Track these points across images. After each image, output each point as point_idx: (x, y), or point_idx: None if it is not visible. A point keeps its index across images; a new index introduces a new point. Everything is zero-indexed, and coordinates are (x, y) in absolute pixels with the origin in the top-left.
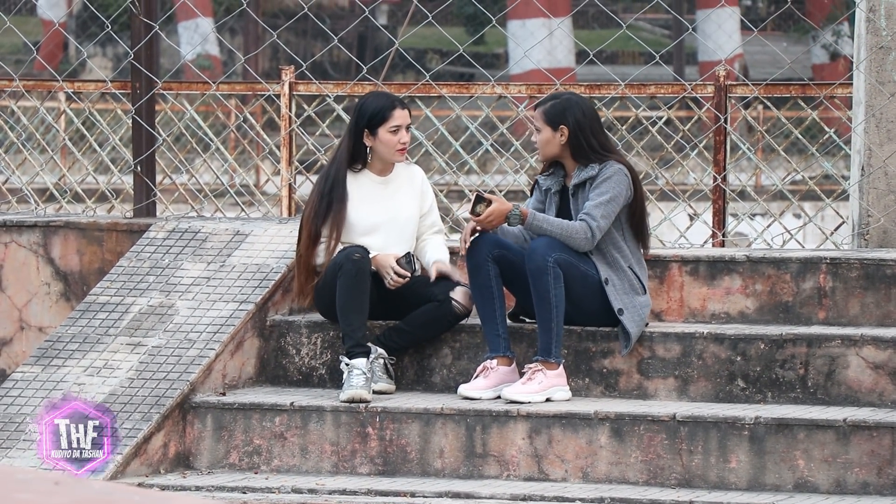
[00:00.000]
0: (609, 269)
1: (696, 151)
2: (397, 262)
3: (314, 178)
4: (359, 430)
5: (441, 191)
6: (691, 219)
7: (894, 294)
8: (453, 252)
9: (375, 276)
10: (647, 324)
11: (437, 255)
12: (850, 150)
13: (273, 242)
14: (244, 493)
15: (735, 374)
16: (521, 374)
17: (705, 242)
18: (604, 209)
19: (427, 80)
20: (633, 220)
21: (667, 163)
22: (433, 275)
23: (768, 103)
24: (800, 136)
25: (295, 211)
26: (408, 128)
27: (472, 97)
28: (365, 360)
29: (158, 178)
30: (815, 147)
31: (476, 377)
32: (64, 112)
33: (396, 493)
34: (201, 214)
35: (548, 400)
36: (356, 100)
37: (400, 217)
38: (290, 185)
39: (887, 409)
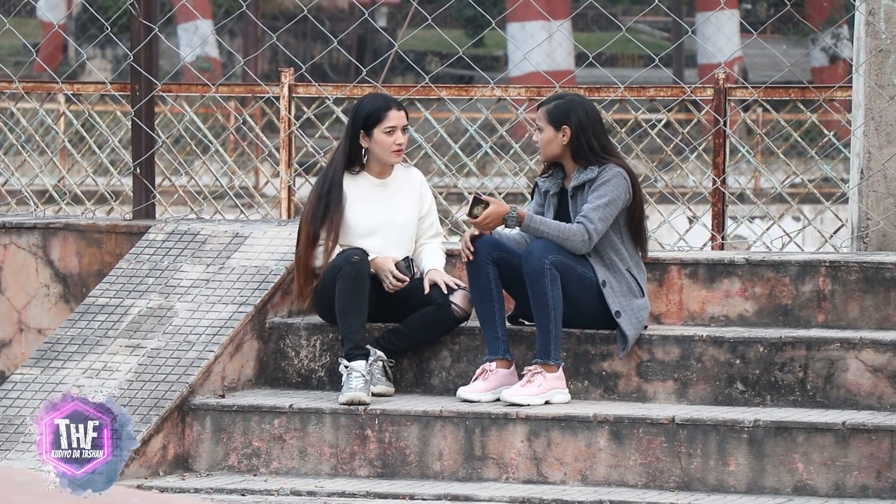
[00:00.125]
0: (607, 271)
1: (695, 154)
2: (396, 265)
3: (313, 180)
4: (358, 433)
5: (440, 193)
6: (690, 221)
7: (893, 297)
8: (452, 255)
9: (374, 278)
10: (646, 326)
11: (432, 263)
12: (849, 153)
13: (272, 244)
14: (243, 495)
15: (734, 377)
16: (521, 377)
17: (704, 245)
18: (601, 212)
19: (426, 83)
20: (632, 223)
21: (666, 165)
22: (426, 286)
23: (768, 106)
24: (799, 139)
25: (294, 213)
26: (404, 129)
27: (471, 100)
28: (364, 362)
29: (158, 179)
30: (814, 150)
31: (475, 380)
32: (63, 114)
33: (395, 496)
34: (200, 216)
35: (547, 403)
36: (355, 102)
37: (399, 220)
38: (289, 187)
39: (886, 412)
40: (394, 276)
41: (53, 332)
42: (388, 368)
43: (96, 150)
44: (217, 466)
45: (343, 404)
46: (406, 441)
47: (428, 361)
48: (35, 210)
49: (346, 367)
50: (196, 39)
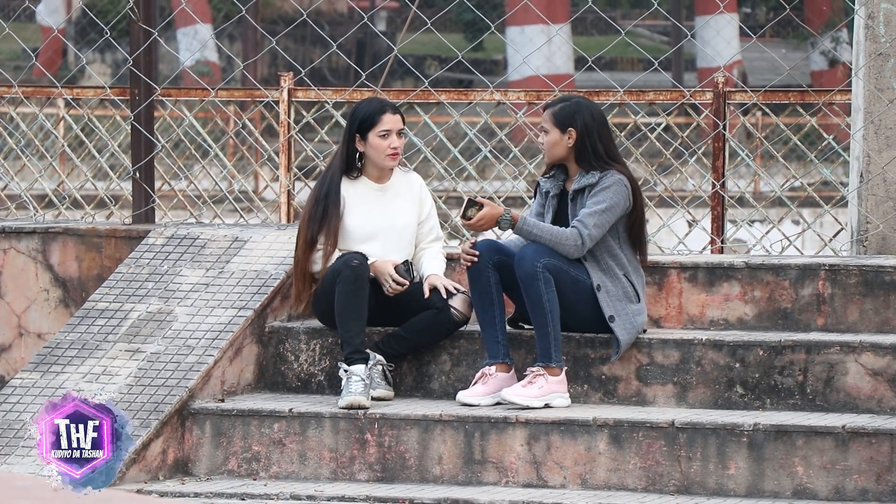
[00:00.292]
0: (603, 275)
1: (694, 158)
2: (395, 269)
3: (313, 184)
4: (357, 437)
5: (440, 197)
6: (690, 225)
7: (893, 301)
8: (451, 258)
9: (374, 282)
10: (646, 330)
11: (431, 268)
12: (848, 156)
13: (272, 249)
14: (243, 499)
15: (734, 380)
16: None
17: (704, 249)
18: (598, 218)
19: (426, 87)
20: (632, 230)
21: (665, 169)
22: (426, 290)
23: (767, 110)
24: (798, 143)
25: (294, 217)
26: (400, 133)
27: (470, 103)
28: (363, 366)
29: (157, 184)
30: (813, 153)
31: (475, 383)
32: (63, 118)
33: (395, 500)
34: (200, 221)
35: (546, 406)
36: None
37: (398, 224)
38: (288, 191)
39: (886, 415)
40: (393, 280)
41: (53, 336)
42: (387, 372)
43: (96, 154)
44: (217, 471)
45: (343, 408)
46: (406, 445)
47: (427, 365)
48: (35, 214)
49: (346, 371)
50: (195, 44)
